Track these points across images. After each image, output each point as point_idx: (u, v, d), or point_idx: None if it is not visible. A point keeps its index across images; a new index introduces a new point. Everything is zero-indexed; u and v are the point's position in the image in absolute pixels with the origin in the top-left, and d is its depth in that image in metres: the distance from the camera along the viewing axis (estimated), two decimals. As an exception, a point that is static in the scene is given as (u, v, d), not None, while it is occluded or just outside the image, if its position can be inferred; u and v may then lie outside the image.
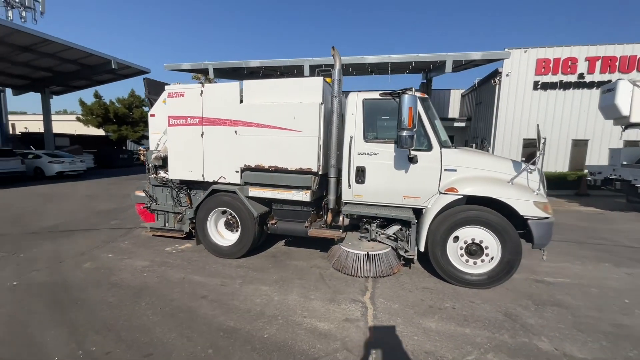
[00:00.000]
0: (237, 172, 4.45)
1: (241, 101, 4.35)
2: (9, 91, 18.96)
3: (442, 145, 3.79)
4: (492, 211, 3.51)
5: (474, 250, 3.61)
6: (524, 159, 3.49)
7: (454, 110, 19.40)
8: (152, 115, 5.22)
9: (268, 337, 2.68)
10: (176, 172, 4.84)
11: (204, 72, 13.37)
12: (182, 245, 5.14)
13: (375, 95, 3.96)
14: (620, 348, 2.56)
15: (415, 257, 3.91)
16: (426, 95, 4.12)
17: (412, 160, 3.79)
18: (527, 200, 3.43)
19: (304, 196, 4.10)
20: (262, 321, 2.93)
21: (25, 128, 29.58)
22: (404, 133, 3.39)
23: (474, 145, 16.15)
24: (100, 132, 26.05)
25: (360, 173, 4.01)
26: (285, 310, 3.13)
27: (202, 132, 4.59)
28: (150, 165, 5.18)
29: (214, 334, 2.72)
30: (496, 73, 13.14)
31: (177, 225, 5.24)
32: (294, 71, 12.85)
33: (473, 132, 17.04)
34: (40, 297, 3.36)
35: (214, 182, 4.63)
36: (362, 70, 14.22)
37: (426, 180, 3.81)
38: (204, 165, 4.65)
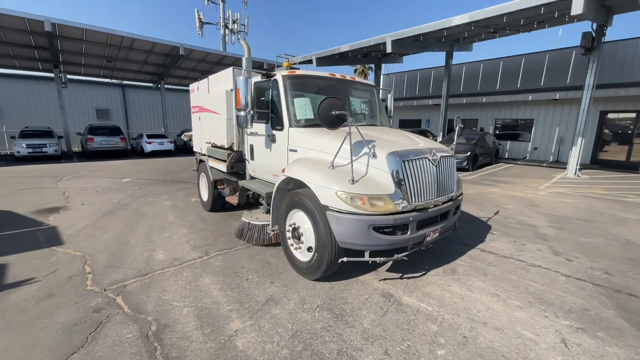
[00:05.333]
0: (207, 147, 5.90)
1: (208, 92, 5.69)
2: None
3: (292, 124, 3.62)
4: (309, 195, 3.15)
5: (297, 235, 3.39)
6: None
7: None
8: (196, 106, 7.46)
9: (109, 251, 4.12)
10: (194, 146, 6.90)
11: (309, 62, 15.19)
12: (203, 198, 7.25)
13: (259, 77, 4.20)
14: (286, 362, 2.16)
15: (272, 234, 4.02)
16: (297, 72, 3.89)
17: (270, 138, 3.88)
18: (329, 187, 2.88)
19: (224, 167, 5.03)
20: (133, 243, 4.37)
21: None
22: (238, 113, 3.64)
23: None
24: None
25: (251, 151, 4.45)
26: (156, 242, 4.42)
27: (200, 117, 6.32)
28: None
29: (112, 240, 4.45)
30: None
31: (206, 184, 7.40)
32: (380, 48, 12.30)
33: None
34: (111, 208, 6.28)
35: (202, 154, 6.32)
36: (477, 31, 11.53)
37: (280, 159, 3.80)
38: (201, 141, 6.41)
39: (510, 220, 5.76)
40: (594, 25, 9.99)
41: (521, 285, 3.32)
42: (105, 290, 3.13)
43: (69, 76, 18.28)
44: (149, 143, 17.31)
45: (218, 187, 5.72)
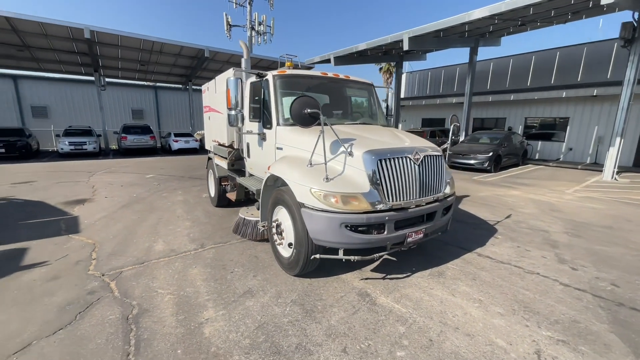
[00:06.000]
0: (214, 145, 6.16)
1: (215, 92, 5.93)
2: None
3: (280, 123, 3.69)
4: (289, 192, 3.20)
5: (280, 231, 3.47)
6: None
7: None
8: (210, 106, 7.80)
9: (117, 240, 4.43)
10: (206, 144, 7.22)
11: (327, 61, 15.19)
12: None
13: (254, 78, 4.31)
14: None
15: (262, 229, 4.11)
16: (288, 72, 3.94)
17: (261, 136, 3.99)
18: (305, 185, 2.91)
19: (225, 164, 5.22)
20: (139, 233, 4.68)
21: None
22: (229, 112, 3.78)
23: None
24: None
25: (247, 149, 4.60)
26: (160, 233, 4.70)
27: (209, 117, 6.61)
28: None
29: (121, 230, 4.80)
30: None
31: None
32: (399, 45, 12.00)
33: None
34: (130, 201, 6.76)
35: (210, 152, 6.60)
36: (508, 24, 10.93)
37: (269, 157, 3.90)
38: (210, 139, 6.70)
39: (521, 224, 5.44)
40: (636, 14, 9.09)
41: (510, 293, 3.15)
42: (103, 275, 3.41)
43: (107, 79, 19.79)
44: (176, 141, 18.27)
45: (222, 183, 5.95)
